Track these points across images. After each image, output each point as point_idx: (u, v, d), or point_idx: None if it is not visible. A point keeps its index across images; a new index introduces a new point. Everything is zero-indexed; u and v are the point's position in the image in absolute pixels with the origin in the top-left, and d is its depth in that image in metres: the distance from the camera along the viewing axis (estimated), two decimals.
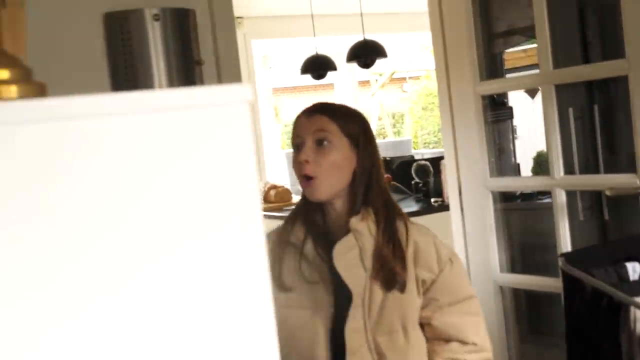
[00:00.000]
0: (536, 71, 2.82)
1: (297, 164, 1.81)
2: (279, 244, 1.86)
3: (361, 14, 6.02)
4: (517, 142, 3.58)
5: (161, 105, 0.63)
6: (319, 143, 1.79)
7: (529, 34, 3.14)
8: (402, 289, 1.79)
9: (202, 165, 0.64)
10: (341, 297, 1.80)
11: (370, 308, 1.78)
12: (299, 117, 1.85)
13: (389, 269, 1.78)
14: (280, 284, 1.81)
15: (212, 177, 0.65)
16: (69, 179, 0.56)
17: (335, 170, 1.79)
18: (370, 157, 1.84)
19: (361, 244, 1.79)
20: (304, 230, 1.85)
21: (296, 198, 6.26)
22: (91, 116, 0.58)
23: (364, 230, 1.80)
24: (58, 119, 0.56)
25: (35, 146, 0.55)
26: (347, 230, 1.80)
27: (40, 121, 0.55)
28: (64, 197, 0.55)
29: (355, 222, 1.80)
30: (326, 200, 1.82)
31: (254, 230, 0.66)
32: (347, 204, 1.83)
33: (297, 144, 1.82)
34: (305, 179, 1.80)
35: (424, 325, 1.86)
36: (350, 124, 1.82)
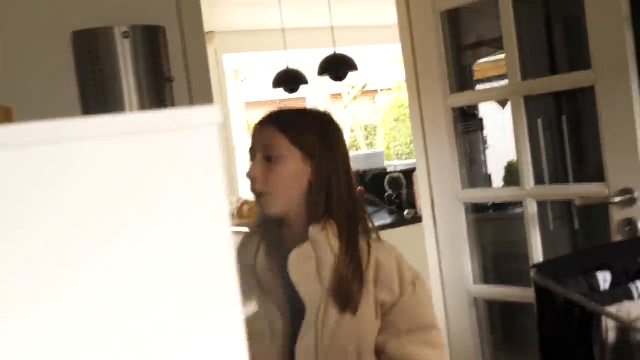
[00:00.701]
0: (505, 82, 2.85)
1: (250, 179, 1.75)
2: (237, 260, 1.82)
3: (332, 28, 6.05)
4: (488, 151, 3.61)
5: (128, 130, 0.63)
6: (268, 159, 1.72)
7: (497, 45, 3.18)
8: (355, 311, 1.68)
9: (170, 188, 0.64)
10: (294, 313, 1.72)
11: (324, 327, 1.68)
12: (255, 128, 1.79)
13: (346, 289, 1.68)
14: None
15: (181, 200, 0.65)
16: (32, 205, 0.55)
17: (286, 185, 1.72)
18: (329, 166, 1.73)
19: (319, 255, 1.70)
20: (260, 245, 1.80)
21: None
22: (58, 141, 0.58)
23: (323, 241, 1.70)
24: (22, 146, 0.56)
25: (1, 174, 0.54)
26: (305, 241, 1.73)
27: (6, 148, 0.55)
28: (28, 225, 0.55)
29: (314, 231, 1.71)
30: (280, 214, 1.76)
31: (224, 254, 0.66)
32: (305, 215, 1.74)
33: (251, 156, 1.77)
34: (257, 195, 1.75)
35: (378, 352, 1.72)
36: (304, 134, 1.73)
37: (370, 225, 1.81)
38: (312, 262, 1.70)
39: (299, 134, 1.73)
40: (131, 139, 0.62)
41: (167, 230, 0.63)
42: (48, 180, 0.56)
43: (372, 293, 1.71)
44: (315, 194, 1.73)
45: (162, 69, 2.53)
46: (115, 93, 2.37)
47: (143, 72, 2.42)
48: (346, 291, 1.68)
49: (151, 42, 2.51)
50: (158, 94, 2.49)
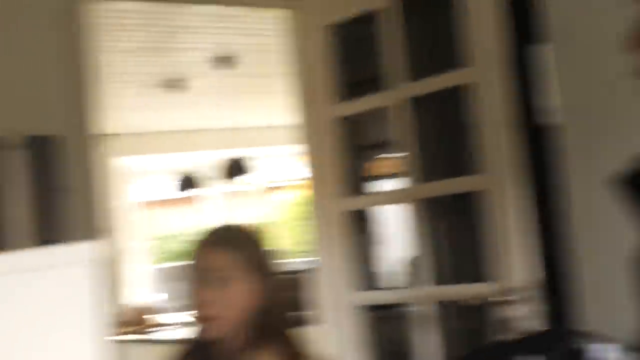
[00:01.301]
0: (399, 185, 2.90)
1: (197, 303, 1.63)
2: None
3: (230, 129, 6.10)
4: (383, 248, 3.65)
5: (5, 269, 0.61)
6: (219, 281, 1.63)
7: (393, 147, 3.25)
8: None
9: (45, 318, 0.63)
10: None
11: None
12: (200, 249, 1.68)
13: None
14: None
15: (55, 329, 0.64)
16: None
17: (238, 308, 1.64)
18: (270, 286, 1.68)
19: None
20: None
21: (165, 318, 6.10)
22: None
23: None
24: None
25: None
26: None
27: None
28: None
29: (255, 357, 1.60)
30: (223, 337, 1.65)
31: None
32: (243, 338, 1.64)
33: (197, 278, 1.65)
34: (204, 319, 1.65)
35: None
36: (255, 253, 1.68)
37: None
38: None
39: (252, 253, 1.67)
40: (12, 275, 0.61)
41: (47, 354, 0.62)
42: None
43: None
44: (257, 316, 1.65)
45: (54, 179, 2.47)
46: (4, 205, 2.29)
47: (35, 184, 2.36)
48: None
49: (44, 152, 2.46)
50: (49, 205, 2.42)
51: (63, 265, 0.66)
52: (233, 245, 1.67)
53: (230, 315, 1.63)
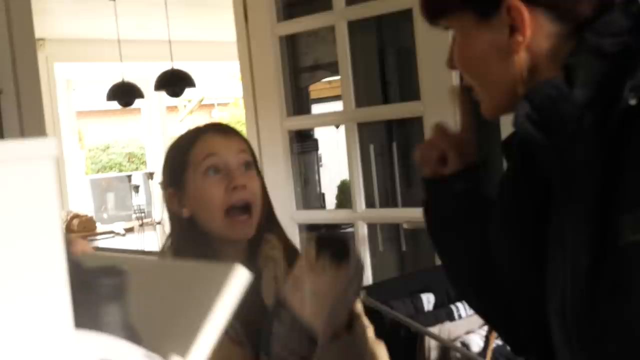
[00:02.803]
0: (339, 103, 2.93)
1: (226, 191, 1.44)
2: None
3: (169, 42, 6.00)
4: (322, 170, 3.70)
5: None
6: (247, 166, 1.48)
7: (333, 69, 3.27)
8: None
9: (2, 218, 0.62)
10: None
11: None
12: (211, 136, 1.49)
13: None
14: None
15: (14, 234, 0.63)
16: None
17: (264, 194, 1.51)
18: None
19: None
20: None
21: (102, 227, 6.09)
22: None
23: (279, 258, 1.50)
24: None
25: None
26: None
27: None
28: None
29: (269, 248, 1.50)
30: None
31: (58, 290, 0.65)
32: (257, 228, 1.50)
33: (215, 165, 1.46)
34: (241, 210, 1.45)
35: None
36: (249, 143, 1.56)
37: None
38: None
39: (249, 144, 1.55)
40: None
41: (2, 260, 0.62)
42: None
43: None
44: (267, 205, 1.52)
45: None
46: None
47: None
48: None
49: None
50: None
51: (20, 160, 0.65)
52: (239, 132, 1.56)
53: (259, 206, 1.48)
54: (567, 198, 0.94)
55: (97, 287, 0.70)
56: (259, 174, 1.53)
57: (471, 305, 1.37)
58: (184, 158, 1.48)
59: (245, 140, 1.54)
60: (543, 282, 0.98)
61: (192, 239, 1.48)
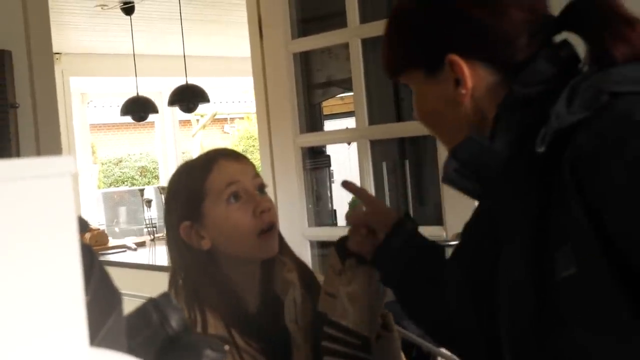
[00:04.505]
0: (352, 119, 2.94)
1: (254, 216, 1.45)
2: None
3: (184, 57, 6.03)
4: (334, 186, 3.70)
5: None
6: (261, 190, 1.50)
7: (346, 86, 3.28)
8: None
9: (20, 236, 0.63)
10: None
11: None
12: (225, 163, 1.49)
13: None
14: None
15: (30, 249, 0.64)
16: None
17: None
18: None
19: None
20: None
21: (113, 241, 6.10)
22: None
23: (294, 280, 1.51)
24: None
25: None
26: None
27: None
28: None
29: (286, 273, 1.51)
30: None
31: (75, 307, 0.65)
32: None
33: (237, 192, 1.46)
34: (265, 231, 1.46)
35: None
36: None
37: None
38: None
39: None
40: None
41: (17, 282, 0.62)
42: None
43: None
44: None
45: (6, 95, 2.44)
46: None
47: None
48: None
49: None
50: (0, 120, 2.40)
51: (40, 178, 0.65)
52: (248, 158, 1.57)
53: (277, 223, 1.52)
54: (507, 238, 1.00)
55: (200, 357, 0.70)
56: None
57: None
58: (200, 188, 1.47)
59: (253, 164, 1.55)
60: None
61: (210, 272, 1.47)
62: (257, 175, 1.51)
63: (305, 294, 1.48)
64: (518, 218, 0.97)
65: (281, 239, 1.54)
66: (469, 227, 1.19)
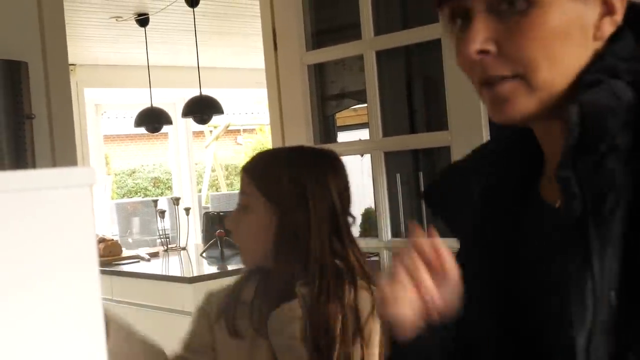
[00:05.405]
0: (365, 135, 2.94)
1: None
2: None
3: (198, 68, 6.05)
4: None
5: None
6: (242, 208, 1.59)
7: (359, 97, 3.28)
8: None
9: (40, 246, 0.63)
10: None
11: None
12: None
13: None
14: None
15: (51, 258, 0.64)
16: None
17: (252, 236, 1.57)
18: (296, 217, 1.53)
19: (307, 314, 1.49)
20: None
21: (126, 252, 6.12)
22: None
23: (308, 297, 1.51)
24: None
25: None
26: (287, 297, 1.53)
27: None
28: None
29: (300, 286, 1.53)
30: (255, 266, 1.60)
31: (93, 317, 0.66)
32: (281, 268, 1.55)
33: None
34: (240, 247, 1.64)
35: None
36: (273, 183, 1.55)
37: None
38: (296, 325, 1.51)
39: (267, 183, 1.56)
40: (5, 195, 0.61)
41: (38, 291, 0.62)
42: None
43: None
44: (281, 246, 1.54)
45: (22, 106, 2.46)
46: None
47: (2, 110, 2.34)
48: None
49: (12, 78, 2.44)
50: (16, 132, 2.41)
51: (60, 189, 0.66)
52: (253, 171, 1.59)
53: (245, 244, 1.60)
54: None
55: None
56: None
57: None
58: None
59: (248, 181, 1.62)
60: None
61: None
62: (241, 192, 1.61)
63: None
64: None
65: (311, 255, 1.55)
66: (473, 241, 1.02)
